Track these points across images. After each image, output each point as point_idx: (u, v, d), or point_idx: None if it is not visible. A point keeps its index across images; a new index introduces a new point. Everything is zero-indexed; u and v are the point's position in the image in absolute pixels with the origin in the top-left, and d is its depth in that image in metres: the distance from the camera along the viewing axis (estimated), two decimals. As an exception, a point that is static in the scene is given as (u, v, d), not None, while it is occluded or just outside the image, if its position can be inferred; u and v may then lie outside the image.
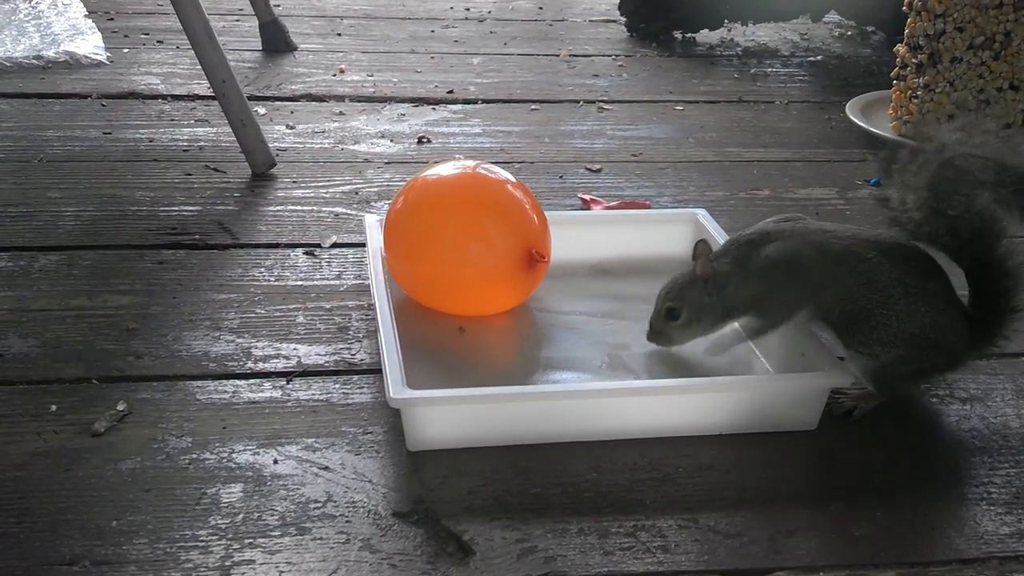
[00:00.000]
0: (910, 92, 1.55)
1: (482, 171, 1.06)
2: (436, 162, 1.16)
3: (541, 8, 2.29)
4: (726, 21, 2.09)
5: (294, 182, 1.36)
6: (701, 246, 0.94)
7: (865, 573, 0.77)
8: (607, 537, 0.79)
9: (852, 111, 1.62)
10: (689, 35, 2.09)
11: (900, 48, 1.58)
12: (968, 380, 1.01)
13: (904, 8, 1.56)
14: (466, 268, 1.01)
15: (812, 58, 2.02)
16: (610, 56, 1.97)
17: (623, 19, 2.12)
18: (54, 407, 0.90)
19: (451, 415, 0.86)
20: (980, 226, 0.91)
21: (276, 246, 1.19)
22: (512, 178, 1.06)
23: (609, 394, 0.90)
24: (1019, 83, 1.55)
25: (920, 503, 0.84)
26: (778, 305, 0.94)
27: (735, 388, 0.92)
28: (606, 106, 1.71)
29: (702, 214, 1.16)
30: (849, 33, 2.18)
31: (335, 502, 0.81)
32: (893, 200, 0.94)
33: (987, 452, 0.91)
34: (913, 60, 1.55)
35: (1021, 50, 1.53)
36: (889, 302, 0.91)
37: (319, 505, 0.80)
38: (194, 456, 0.85)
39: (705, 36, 2.10)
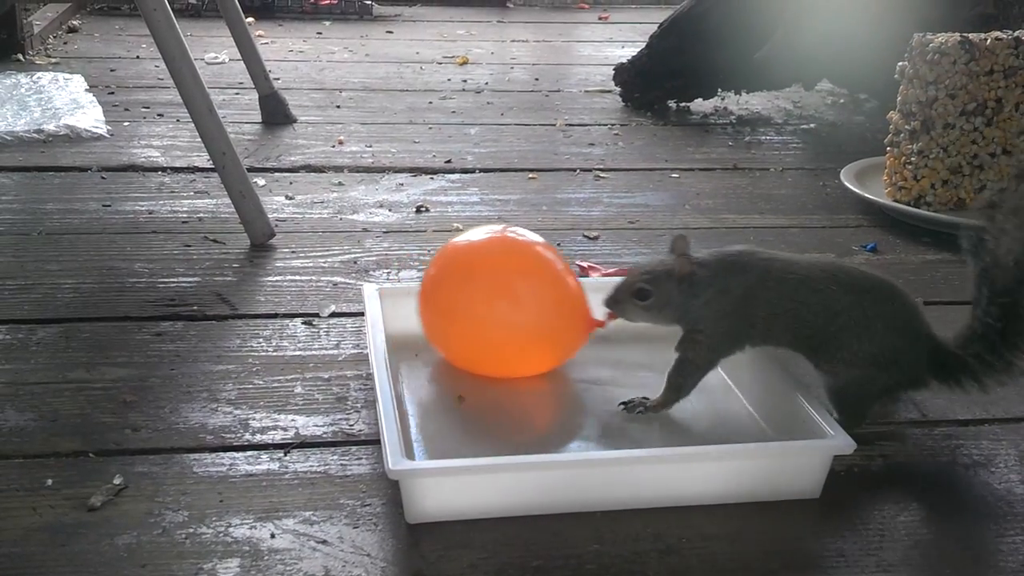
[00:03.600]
0: (904, 158, 1.57)
1: (512, 235, 1.06)
2: (464, 229, 1.18)
3: (537, 79, 2.32)
4: (719, 90, 2.11)
5: (293, 252, 1.36)
6: (680, 242, 0.97)
7: (873, 645, 0.76)
8: (610, 610, 0.78)
9: (847, 177, 1.63)
10: (683, 104, 2.12)
11: (893, 115, 1.60)
12: (971, 446, 1.00)
13: (896, 76, 1.58)
14: (502, 330, 1.01)
15: (806, 126, 2.05)
16: (606, 125, 1.99)
17: (618, 89, 2.15)
18: (50, 481, 0.89)
19: (450, 486, 0.86)
20: None
21: (274, 316, 1.19)
22: (541, 239, 1.07)
23: (611, 463, 0.89)
24: (1012, 148, 1.56)
25: (926, 572, 0.83)
26: (724, 333, 0.97)
27: (738, 456, 0.91)
28: (602, 174, 1.72)
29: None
30: (842, 101, 2.21)
31: (333, 577, 0.79)
32: (988, 242, 0.95)
33: (992, 519, 0.90)
34: (906, 127, 1.57)
35: (1013, 116, 1.55)
36: (848, 325, 0.95)
37: (317, 580, 0.79)
38: (191, 530, 0.84)
39: (699, 105, 2.13)
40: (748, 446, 0.94)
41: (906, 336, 0.96)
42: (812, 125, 2.05)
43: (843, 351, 0.95)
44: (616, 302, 0.99)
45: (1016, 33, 1.55)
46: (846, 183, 1.62)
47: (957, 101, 1.52)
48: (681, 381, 0.98)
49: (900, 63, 1.57)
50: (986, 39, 1.52)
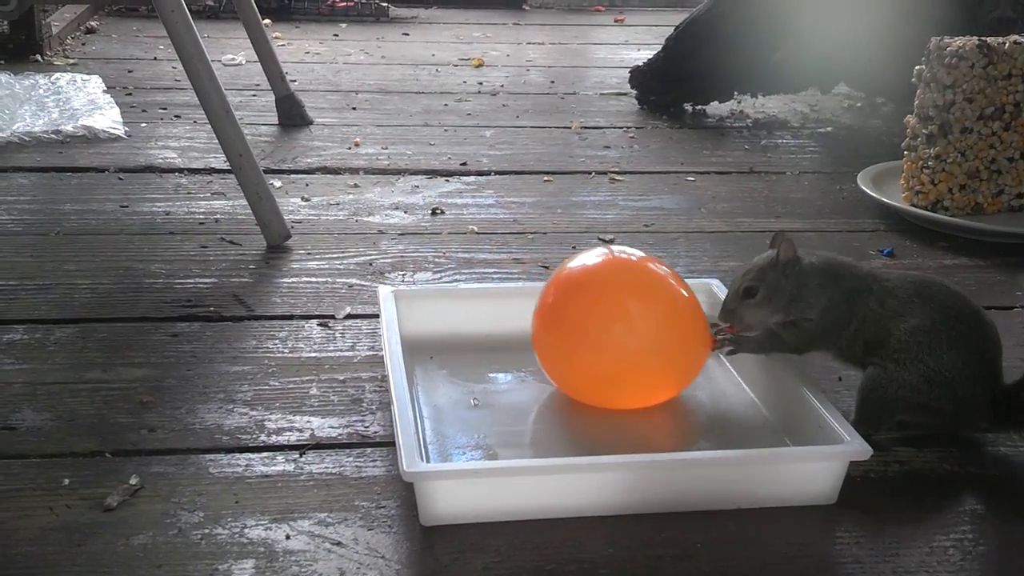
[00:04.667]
0: (921, 162, 1.56)
1: (622, 256, 1.04)
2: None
3: (553, 82, 2.32)
4: (736, 93, 2.11)
5: (309, 254, 1.37)
6: (780, 235, 0.98)
7: (889, 652, 0.76)
8: (625, 615, 0.77)
9: (863, 181, 1.62)
10: (699, 107, 2.12)
11: (910, 119, 1.59)
12: (990, 453, 0.99)
13: (913, 79, 1.57)
14: (629, 359, 0.97)
15: (822, 129, 2.04)
16: (621, 128, 1.99)
17: (634, 92, 2.15)
18: (67, 481, 0.89)
19: (465, 489, 0.85)
20: None
21: (290, 318, 1.19)
22: (647, 256, 1.05)
23: (625, 468, 0.89)
24: (1030, 153, 1.55)
25: (944, 579, 0.83)
26: (831, 323, 0.97)
27: (754, 461, 0.90)
28: (618, 177, 1.72)
29: (715, 284, 1.16)
30: (859, 104, 2.20)
31: (348, 579, 0.80)
32: None
33: (1011, 527, 0.89)
34: (923, 131, 1.56)
35: (1031, 120, 1.54)
36: (915, 331, 0.94)
37: (332, 582, 0.79)
38: (206, 531, 0.84)
39: (715, 108, 2.12)
40: (764, 451, 0.94)
41: (971, 365, 0.95)
42: (829, 129, 2.05)
43: (902, 352, 0.94)
44: (730, 312, 0.98)
45: (1035, 37, 1.54)
46: (863, 187, 1.61)
47: (975, 105, 1.52)
48: (765, 350, 1.00)
49: (918, 67, 1.56)
50: (1004, 43, 1.52)
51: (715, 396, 1.05)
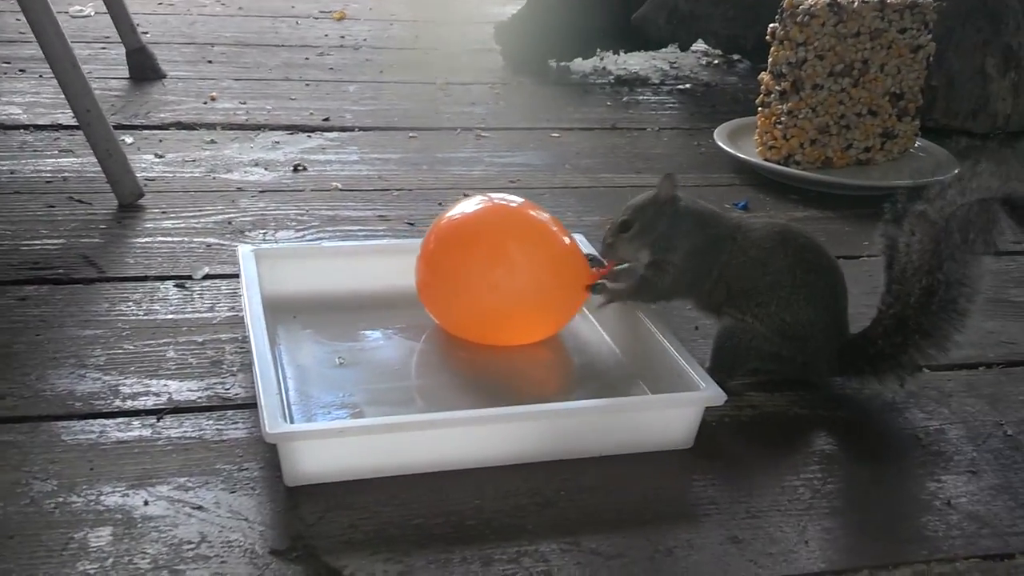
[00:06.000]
0: (774, 118, 1.61)
1: (502, 202, 1.06)
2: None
3: (417, 36, 2.29)
4: (599, 50, 2.13)
5: (163, 213, 1.32)
6: (668, 176, 0.99)
7: (743, 588, 0.79)
8: (490, 565, 0.78)
9: (720, 137, 1.67)
10: (564, 64, 2.13)
11: (764, 76, 1.63)
12: (837, 396, 1.04)
13: (767, 37, 1.61)
14: (507, 299, 1.00)
15: (681, 86, 2.08)
16: (487, 84, 1.99)
17: (499, 48, 2.14)
18: (-94, 454, 0.85)
19: (329, 448, 0.85)
20: (944, 308, 0.97)
21: (145, 279, 1.16)
22: (526, 202, 1.07)
23: (488, 420, 0.89)
24: (877, 108, 1.62)
25: (792, 518, 0.87)
26: (691, 270, 1.00)
27: (614, 410, 0.92)
28: (483, 133, 1.72)
29: (579, 238, 1.17)
30: (716, 62, 2.25)
31: (209, 542, 0.78)
32: (900, 245, 0.99)
33: (856, 466, 0.94)
34: (777, 87, 1.61)
35: (878, 77, 1.60)
36: (775, 286, 0.98)
37: (192, 546, 0.78)
38: (60, 500, 0.81)
39: (579, 64, 2.14)
40: (623, 400, 0.97)
41: (824, 319, 0.99)
42: (688, 85, 2.09)
43: (761, 307, 0.98)
44: (608, 246, 1.01)
45: (881, -4, 1.60)
46: (719, 143, 1.65)
47: (825, 62, 1.57)
48: (637, 296, 1.02)
49: (771, 25, 1.60)
50: (854, 2, 1.57)
51: (578, 347, 1.07)
